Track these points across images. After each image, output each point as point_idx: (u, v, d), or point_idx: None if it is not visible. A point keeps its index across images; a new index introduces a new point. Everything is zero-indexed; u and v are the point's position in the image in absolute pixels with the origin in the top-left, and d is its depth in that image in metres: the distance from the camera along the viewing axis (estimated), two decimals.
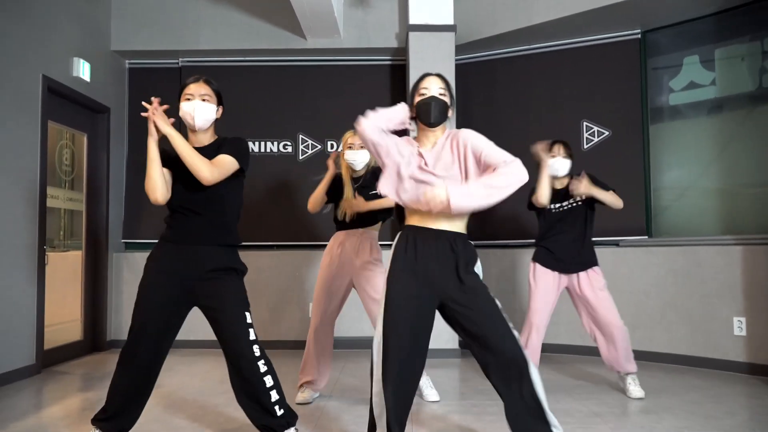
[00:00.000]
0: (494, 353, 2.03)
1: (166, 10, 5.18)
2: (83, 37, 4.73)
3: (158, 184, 2.26)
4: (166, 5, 5.19)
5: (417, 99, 2.18)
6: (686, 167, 4.54)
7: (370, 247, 3.28)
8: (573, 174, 3.46)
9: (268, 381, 2.27)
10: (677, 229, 4.52)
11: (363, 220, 3.28)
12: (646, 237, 4.57)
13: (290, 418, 2.32)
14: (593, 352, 4.27)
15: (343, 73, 5.33)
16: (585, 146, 4.78)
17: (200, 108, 2.34)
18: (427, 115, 2.14)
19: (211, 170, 2.22)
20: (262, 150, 5.30)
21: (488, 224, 4.78)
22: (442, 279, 2.07)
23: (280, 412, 2.28)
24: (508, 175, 1.96)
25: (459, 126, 4.96)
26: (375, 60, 5.32)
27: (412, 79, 4.70)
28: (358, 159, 3.21)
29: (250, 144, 5.29)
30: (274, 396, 2.28)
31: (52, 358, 4.31)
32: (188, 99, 2.35)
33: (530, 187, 3.38)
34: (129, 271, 5.18)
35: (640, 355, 4.33)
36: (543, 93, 4.93)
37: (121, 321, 5.14)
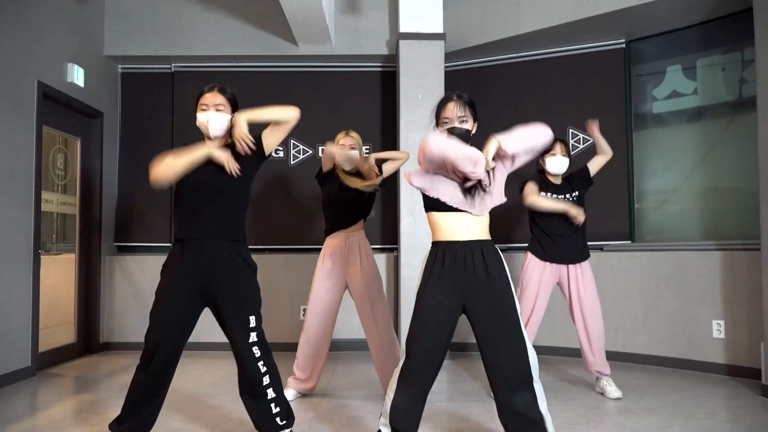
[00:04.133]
0: (503, 362, 2.13)
1: (159, 16, 5.23)
2: (77, 42, 4.78)
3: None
4: (158, 11, 5.24)
5: (440, 129, 2.29)
6: (669, 174, 4.66)
7: (359, 252, 3.40)
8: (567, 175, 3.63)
9: (266, 380, 2.35)
10: (660, 234, 4.65)
11: (347, 217, 3.41)
12: (630, 242, 4.69)
13: (286, 419, 2.40)
14: (576, 353, 4.39)
15: (335, 79, 5.41)
16: (571, 152, 4.88)
17: (214, 119, 2.43)
18: None
19: (288, 113, 2.51)
20: None
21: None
22: (472, 287, 2.17)
23: (275, 410, 2.36)
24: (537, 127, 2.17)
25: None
26: (366, 67, 5.40)
27: (402, 86, 4.79)
28: (348, 161, 3.40)
29: None
30: (270, 394, 2.36)
31: (46, 360, 4.35)
32: (203, 109, 2.44)
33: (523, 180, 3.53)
34: (121, 273, 5.22)
35: (623, 357, 4.47)
36: (531, 100, 5.04)
37: (113, 323, 5.18)
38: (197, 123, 2.45)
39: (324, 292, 3.40)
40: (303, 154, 5.36)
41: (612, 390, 3.44)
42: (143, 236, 5.38)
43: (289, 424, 2.42)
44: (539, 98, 5.01)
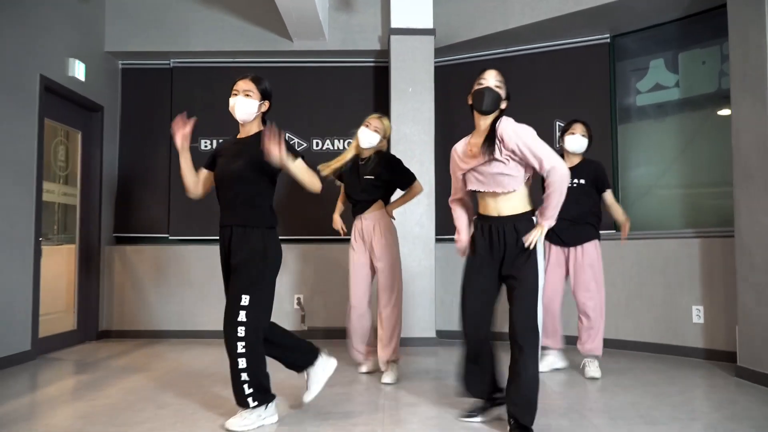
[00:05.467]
0: (513, 322, 2.38)
1: (159, 13, 5.38)
2: (78, 38, 4.93)
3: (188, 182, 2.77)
4: (158, 8, 5.39)
5: (475, 88, 2.48)
6: (652, 165, 4.78)
7: (381, 228, 3.57)
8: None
9: (241, 363, 2.46)
10: (644, 224, 4.76)
11: (363, 203, 3.59)
12: (614, 231, 4.80)
13: (258, 399, 2.51)
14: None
15: (329, 74, 5.55)
16: (558, 145, 5.00)
17: (240, 103, 2.62)
18: (480, 102, 2.44)
19: (312, 179, 2.70)
20: None
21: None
22: (508, 257, 2.43)
23: (248, 392, 2.48)
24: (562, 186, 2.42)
25: (441, 127, 5.20)
26: (359, 62, 5.54)
27: (393, 80, 4.94)
28: (366, 138, 3.54)
29: None
30: (244, 377, 2.47)
31: (46, 345, 4.50)
32: (234, 95, 2.63)
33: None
34: (120, 263, 5.36)
35: (607, 343, 4.57)
36: (519, 94, 5.09)
37: (112, 312, 5.33)
38: (229, 108, 2.64)
39: (354, 263, 3.62)
40: (298, 147, 5.50)
41: (593, 370, 3.55)
42: (142, 227, 5.52)
43: (260, 404, 2.53)
44: (527, 92, 5.13)
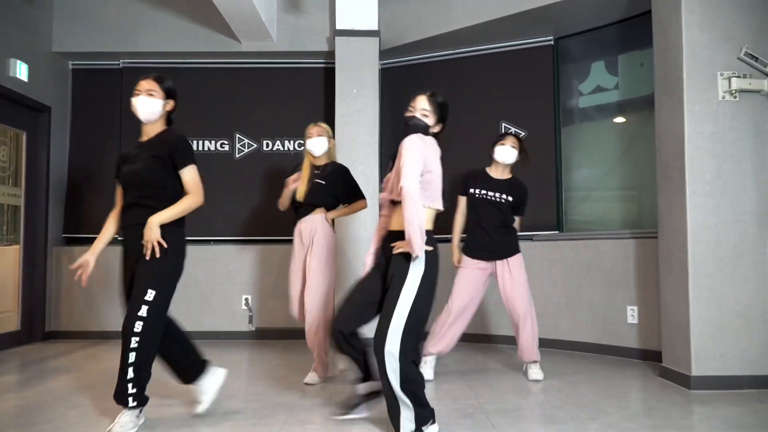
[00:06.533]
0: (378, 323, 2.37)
1: (108, 13, 5.37)
2: (22, 39, 4.91)
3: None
4: (107, 8, 5.37)
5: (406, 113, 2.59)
6: (594, 167, 4.81)
7: (321, 232, 3.55)
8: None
9: (131, 357, 2.44)
10: (586, 225, 4.80)
11: (307, 207, 3.59)
12: (557, 232, 4.83)
13: (137, 398, 2.49)
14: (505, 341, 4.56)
15: (278, 75, 5.55)
16: (524, 148, 5.03)
17: (142, 102, 2.62)
18: (405, 128, 2.56)
19: (197, 198, 2.65)
20: (200, 148, 5.50)
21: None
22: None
23: (131, 391, 2.46)
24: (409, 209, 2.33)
25: (389, 129, 5.22)
26: (308, 63, 5.55)
27: (338, 81, 4.95)
28: (314, 146, 3.57)
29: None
30: (130, 374, 2.45)
31: None
32: (136, 94, 2.64)
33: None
34: (69, 264, 5.34)
35: (546, 343, 4.60)
36: (465, 96, 5.18)
37: (60, 313, 5.31)
38: (131, 108, 2.66)
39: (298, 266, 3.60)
40: (248, 148, 5.50)
41: (535, 372, 3.56)
42: (92, 228, 5.49)
43: (139, 405, 2.51)
44: (474, 94, 5.16)
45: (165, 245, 2.52)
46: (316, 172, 3.59)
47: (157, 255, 2.50)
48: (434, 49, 5.26)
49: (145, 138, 2.71)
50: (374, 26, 4.96)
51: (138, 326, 2.46)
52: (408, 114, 2.57)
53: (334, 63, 5.48)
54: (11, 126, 4.94)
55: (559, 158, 4.91)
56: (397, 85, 5.40)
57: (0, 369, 4.02)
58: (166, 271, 2.56)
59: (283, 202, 3.68)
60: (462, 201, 3.76)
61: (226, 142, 5.51)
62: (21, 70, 4.84)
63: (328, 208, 3.60)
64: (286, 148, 5.51)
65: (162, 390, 3.14)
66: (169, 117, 2.75)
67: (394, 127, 5.31)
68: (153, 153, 2.62)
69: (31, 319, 5.09)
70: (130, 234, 2.62)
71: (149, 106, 2.63)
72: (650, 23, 4.31)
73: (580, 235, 4.59)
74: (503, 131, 3.68)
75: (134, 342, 2.44)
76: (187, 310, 5.28)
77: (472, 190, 3.68)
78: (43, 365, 4.10)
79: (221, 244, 5.37)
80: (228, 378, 2.98)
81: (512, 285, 3.56)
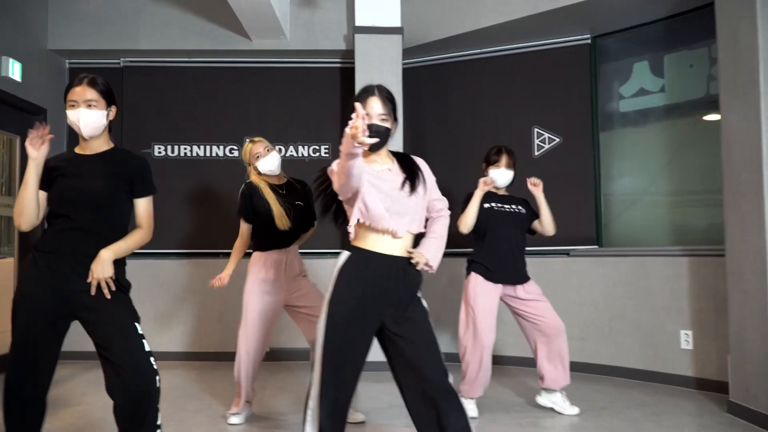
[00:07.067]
0: (424, 381, 1.90)
1: (107, 8, 4.97)
2: (14, 35, 4.51)
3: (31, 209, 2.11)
4: (106, 3, 4.98)
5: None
6: (636, 175, 4.45)
7: (299, 263, 3.18)
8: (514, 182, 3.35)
9: (157, 418, 2.09)
10: (627, 239, 4.42)
11: (296, 233, 3.15)
12: (597, 246, 4.46)
13: None
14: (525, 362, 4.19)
15: (291, 75, 5.17)
16: (536, 153, 4.67)
17: (86, 116, 2.14)
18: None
19: (148, 234, 2.22)
20: (207, 155, 5.12)
21: None
22: (389, 305, 1.96)
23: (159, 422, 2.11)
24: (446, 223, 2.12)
25: (411, 132, 4.84)
26: (323, 62, 5.17)
27: (358, 81, 4.57)
28: (273, 164, 3.10)
29: (195, 148, 5.12)
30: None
31: None
32: (72, 106, 2.14)
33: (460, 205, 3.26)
34: None
35: (587, 368, 4.25)
36: (494, 98, 4.82)
37: None
38: (68, 121, 2.16)
39: (268, 301, 3.09)
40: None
41: (569, 407, 3.20)
42: None
43: None
44: (503, 96, 4.79)
45: (113, 287, 2.07)
46: (281, 192, 3.10)
47: (107, 295, 2.05)
48: (460, 47, 4.88)
49: (88, 152, 2.22)
50: (397, 23, 4.58)
51: (153, 362, 2.07)
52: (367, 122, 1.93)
53: (351, 62, 5.11)
54: (3, 130, 4.54)
55: (597, 166, 4.54)
56: (418, 86, 5.02)
57: None
58: (131, 304, 2.16)
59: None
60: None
61: (235, 147, 5.13)
62: (13, 69, 4.44)
63: None
64: (299, 155, 5.13)
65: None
66: (109, 126, 2.28)
67: (415, 129, 4.95)
68: (112, 170, 2.17)
69: None
70: (67, 263, 2.07)
71: (94, 121, 2.16)
72: (701, 20, 3.97)
73: (624, 251, 4.22)
74: (488, 155, 3.23)
75: (158, 381, 2.07)
76: (201, 328, 4.91)
77: (485, 205, 3.25)
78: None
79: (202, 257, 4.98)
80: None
81: (537, 301, 3.21)
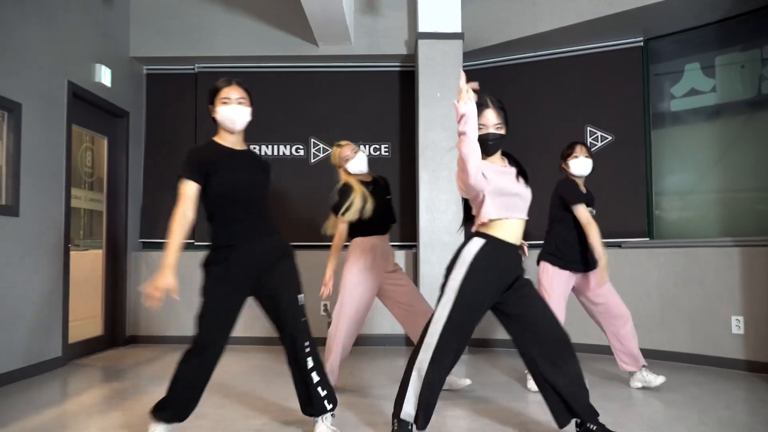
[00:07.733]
0: (541, 337, 2.33)
1: (182, 17, 5.37)
2: (103, 43, 4.92)
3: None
4: (182, 12, 5.37)
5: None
6: (687, 172, 4.68)
7: (391, 252, 3.56)
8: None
9: (310, 362, 2.48)
10: (678, 232, 4.66)
11: (388, 223, 3.52)
12: (648, 239, 4.71)
13: (332, 402, 2.52)
14: (593, 349, 4.45)
15: (354, 79, 5.50)
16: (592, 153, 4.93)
17: (239, 112, 2.47)
18: (486, 150, 2.38)
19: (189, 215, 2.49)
20: (275, 153, 5.48)
21: None
22: (508, 287, 2.38)
23: (323, 394, 2.49)
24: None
25: None
26: (385, 66, 5.49)
27: (421, 85, 4.87)
28: (362, 164, 3.46)
29: (264, 148, 5.48)
30: (315, 377, 2.49)
31: (75, 351, 4.49)
32: (225, 103, 2.45)
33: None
34: (147, 269, 5.35)
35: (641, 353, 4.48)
36: (549, 99, 5.09)
37: (139, 317, 5.32)
38: (219, 117, 2.46)
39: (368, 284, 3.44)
40: (323, 153, 5.45)
41: (655, 378, 3.46)
42: (167, 233, 5.49)
43: (334, 407, 2.53)
44: (557, 97, 5.06)
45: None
46: (370, 188, 3.46)
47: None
48: (517, 51, 5.16)
49: (236, 147, 2.53)
50: (458, 29, 4.87)
51: (309, 330, 2.58)
52: (482, 132, 2.38)
53: (411, 66, 5.43)
54: (95, 131, 4.95)
55: (648, 162, 4.78)
56: (479, 89, 5.30)
57: (97, 375, 4.02)
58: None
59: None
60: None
61: (301, 146, 5.48)
62: (105, 75, 4.84)
63: None
64: None
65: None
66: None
67: None
68: (260, 167, 2.58)
69: (113, 324, 5.10)
70: (255, 250, 2.50)
71: (245, 116, 2.50)
72: (753, 22, 4.19)
73: (675, 243, 4.46)
74: (565, 149, 3.48)
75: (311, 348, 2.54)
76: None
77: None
78: (138, 371, 4.09)
79: (299, 249, 5.30)
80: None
81: (604, 286, 3.45)
